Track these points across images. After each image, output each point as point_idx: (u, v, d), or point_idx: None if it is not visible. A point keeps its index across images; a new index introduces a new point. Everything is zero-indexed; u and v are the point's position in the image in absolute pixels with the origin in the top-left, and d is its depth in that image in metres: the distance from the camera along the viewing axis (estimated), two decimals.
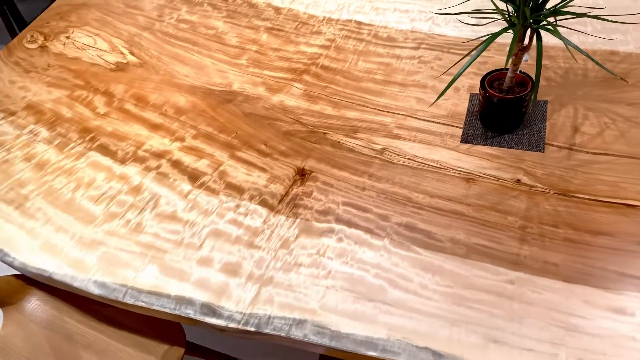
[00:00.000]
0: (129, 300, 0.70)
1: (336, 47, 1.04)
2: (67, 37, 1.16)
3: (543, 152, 0.80)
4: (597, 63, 0.67)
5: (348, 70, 0.99)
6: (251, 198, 0.80)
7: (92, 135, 0.93)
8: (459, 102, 0.90)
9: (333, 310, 0.66)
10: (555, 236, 0.70)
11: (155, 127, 0.93)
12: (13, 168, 0.89)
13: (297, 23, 1.11)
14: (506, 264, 0.68)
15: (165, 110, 0.96)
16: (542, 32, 0.85)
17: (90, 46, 1.13)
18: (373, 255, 0.71)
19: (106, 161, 0.88)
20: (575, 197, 0.74)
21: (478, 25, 0.77)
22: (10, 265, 0.77)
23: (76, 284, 0.73)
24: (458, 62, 0.89)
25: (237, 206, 0.79)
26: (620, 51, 0.93)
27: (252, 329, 0.65)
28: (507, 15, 0.71)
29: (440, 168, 0.80)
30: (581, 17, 0.67)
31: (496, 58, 0.96)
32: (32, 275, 0.77)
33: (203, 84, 1.00)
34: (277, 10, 1.16)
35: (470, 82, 0.92)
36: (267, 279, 0.70)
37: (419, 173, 0.80)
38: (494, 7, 0.72)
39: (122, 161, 0.88)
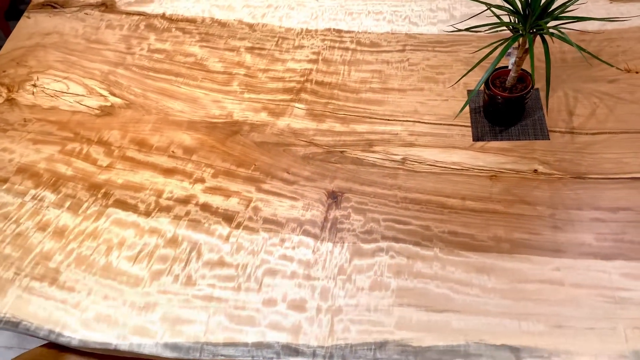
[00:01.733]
0: (206, 356, 0.71)
1: (324, 59, 1.06)
2: (34, 85, 1.10)
3: (549, 139, 0.87)
4: (607, 63, 0.74)
5: (343, 82, 1.01)
6: (292, 230, 0.82)
7: (103, 191, 0.90)
8: (458, 100, 0.95)
9: (408, 326, 0.71)
10: (583, 218, 0.78)
11: (168, 171, 0.92)
12: (30, 241, 0.85)
13: (276, 39, 1.11)
14: (549, 253, 0.75)
15: (173, 151, 0.95)
16: None
17: (64, 92, 1.08)
18: (428, 266, 0.76)
19: (129, 217, 0.86)
20: (589, 178, 0.82)
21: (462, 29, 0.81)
22: (68, 344, 0.75)
23: (146, 351, 0.72)
24: (470, 70, 0.94)
25: (282, 240, 0.81)
26: (588, 30, 1.02)
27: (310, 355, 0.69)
28: (511, 27, 0.77)
29: (463, 169, 0.85)
30: (583, 20, 0.74)
31: (484, 52, 1.02)
32: (95, 350, 0.75)
33: (202, 118, 0.99)
34: (251, 27, 1.15)
35: (465, 79, 0.98)
36: (337, 309, 0.73)
37: (445, 178, 0.85)
38: (498, 20, 0.77)
39: (147, 214, 0.86)
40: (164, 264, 0.80)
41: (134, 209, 0.87)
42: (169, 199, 0.88)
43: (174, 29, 1.17)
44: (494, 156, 0.87)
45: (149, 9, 1.22)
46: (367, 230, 0.80)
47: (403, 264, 0.76)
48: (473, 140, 0.89)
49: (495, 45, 0.77)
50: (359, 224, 0.81)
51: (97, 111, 1.03)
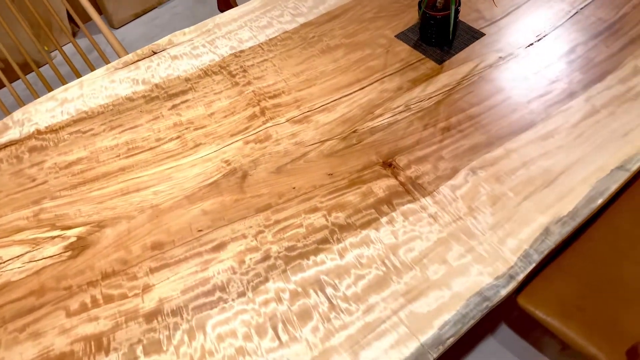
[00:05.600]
0: (436, 354, 0.66)
1: (255, 78, 1.02)
2: None
3: (485, 34, 1.01)
4: None
5: (293, 85, 1.00)
6: (388, 209, 0.79)
7: (166, 312, 0.73)
8: (396, 46, 1.03)
9: (546, 205, 0.76)
10: (570, 58, 0.93)
11: (217, 247, 0.79)
12: None
13: (189, 86, 1.03)
14: (567, 99, 0.88)
15: (200, 230, 0.81)
16: None
17: (1, 262, 0.82)
18: (511, 161, 0.82)
19: (226, 310, 0.72)
20: (537, 41, 0.98)
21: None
22: None
23: None
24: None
25: (390, 222, 0.78)
26: None
27: (534, 265, 0.71)
28: None
29: (456, 87, 0.94)
30: None
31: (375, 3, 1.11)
32: None
33: (197, 185, 0.87)
34: (152, 91, 1.04)
35: (380, 32, 1.06)
36: (489, 235, 0.75)
37: (450, 99, 0.92)
38: None
39: (242, 294, 0.73)
40: (310, 317, 0.70)
41: (223, 301, 0.73)
42: (248, 268, 0.76)
43: (67, 137, 0.98)
44: (465, 66, 0.97)
45: (13, 135, 1.00)
46: (443, 169, 0.83)
47: (493, 171, 0.81)
48: (439, 65, 0.98)
49: None
50: (431, 169, 0.83)
51: (67, 253, 0.81)
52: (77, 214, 0.86)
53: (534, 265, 0.71)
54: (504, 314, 1.29)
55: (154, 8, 2.39)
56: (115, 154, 0.93)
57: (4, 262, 0.82)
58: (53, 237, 0.84)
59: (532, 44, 0.98)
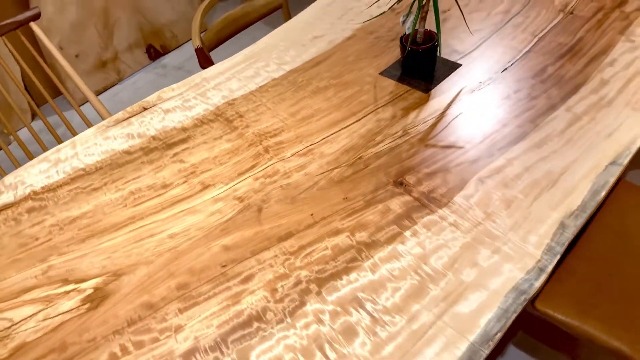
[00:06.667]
0: (487, 350, 0.66)
1: (253, 121, 1.05)
2: None
3: (462, 65, 1.10)
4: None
5: (292, 123, 1.03)
6: (409, 224, 0.82)
7: (202, 350, 0.70)
8: (382, 82, 1.09)
9: (557, 202, 0.81)
10: (542, 78, 1.02)
11: (247, 279, 0.78)
12: None
13: (187, 135, 1.04)
14: (547, 109, 0.96)
15: (224, 265, 0.80)
16: None
17: (10, 326, 0.77)
18: (514, 168, 0.87)
19: (270, 339, 0.70)
20: (510, 66, 1.07)
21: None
22: None
23: None
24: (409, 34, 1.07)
25: (414, 234, 0.80)
26: None
27: (559, 256, 0.74)
28: None
29: (447, 109, 1.00)
30: None
31: (361, 45, 1.18)
32: None
33: (214, 224, 0.86)
34: (151, 142, 1.04)
35: (364, 71, 1.12)
36: (512, 234, 0.78)
37: (444, 121, 0.98)
38: None
39: (280, 320, 0.72)
40: (355, 334, 0.69)
41: (262, 330, 0.71)
42: (281, 295, 0.75)
43: (66, 194, 0.96)
44: (450, 92, 1.04)
45: (7, 199, 0.97)
46: (452, 182, 0.87)
47: (500, 178, 0.86)
48: (426, 94, 1.05)
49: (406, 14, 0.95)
50: (441, 183, 0.87)
51: (85, 306, 0.78)
52: (90, 266, 0.83)
53: (558, 256, 0.74)
54: (511, 334, 1.30)
55: (115, 85, 2.41)
56: (122, 204, 0.92)
57: (15, 324, 0.77)
58: (67, 292, 0.80)
59: (506, 69, 1.07)
